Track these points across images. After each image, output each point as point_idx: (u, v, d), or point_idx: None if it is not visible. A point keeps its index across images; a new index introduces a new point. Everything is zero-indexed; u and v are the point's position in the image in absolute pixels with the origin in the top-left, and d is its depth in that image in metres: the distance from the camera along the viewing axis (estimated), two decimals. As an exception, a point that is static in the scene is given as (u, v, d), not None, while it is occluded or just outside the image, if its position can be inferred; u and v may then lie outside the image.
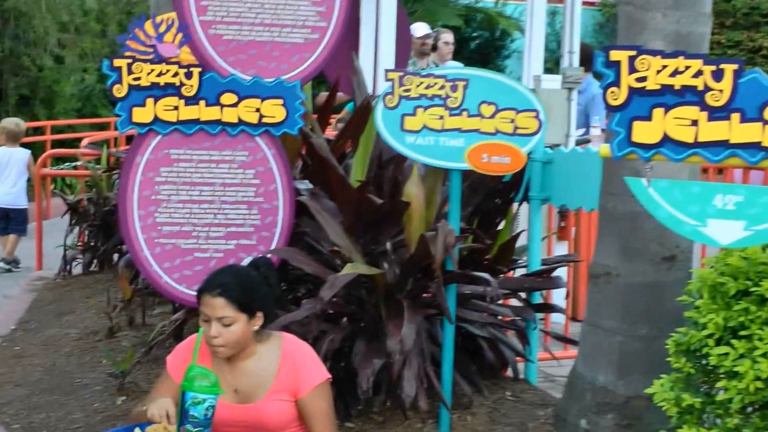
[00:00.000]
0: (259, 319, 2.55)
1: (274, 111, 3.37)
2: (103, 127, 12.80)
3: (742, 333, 2.30)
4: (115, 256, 5.95)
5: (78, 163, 9.70)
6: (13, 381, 4.19)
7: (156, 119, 3.32)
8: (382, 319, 3.31)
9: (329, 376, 2.61)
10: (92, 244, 6.32)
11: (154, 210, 3.40)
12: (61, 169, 9.40)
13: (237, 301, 2.48)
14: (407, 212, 3.33)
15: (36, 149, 12.17)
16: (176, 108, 3.32)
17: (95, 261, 6.32)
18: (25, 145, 7.84)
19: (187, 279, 3.40)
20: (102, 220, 6.22)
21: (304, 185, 3.69)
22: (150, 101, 3.30)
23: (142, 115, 3.30)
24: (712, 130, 2.36)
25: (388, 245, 3.41)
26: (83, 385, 4.01)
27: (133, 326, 4.69)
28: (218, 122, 3.36)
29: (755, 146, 2.34)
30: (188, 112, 3.33)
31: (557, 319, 4.64)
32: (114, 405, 3.72)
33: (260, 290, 2.57)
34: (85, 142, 9.91)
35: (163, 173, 3.40)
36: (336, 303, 3.38)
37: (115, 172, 6.32)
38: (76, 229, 6.49)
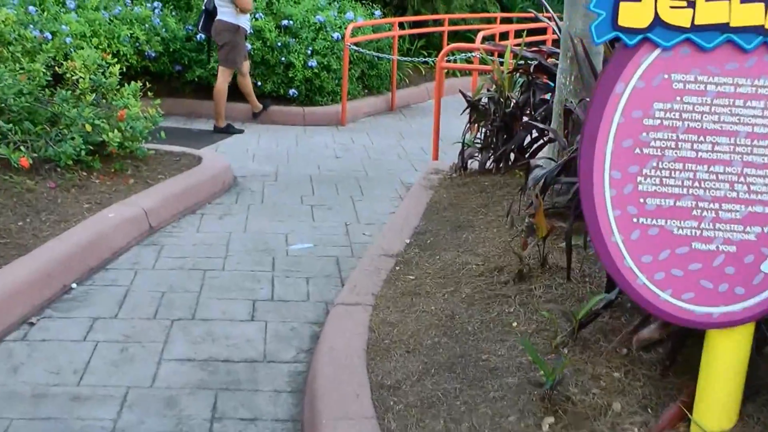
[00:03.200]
0: None
1: None
2: (489, 21, 13.78)
3: None
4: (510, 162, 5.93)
5: (472, 55, 9.83)
6: (403, 341, 3.56)
7: (657, 22, 2.22)
8: None
9: None
10: (491, 143, 6.31)
11: (637, 171, 2.32)
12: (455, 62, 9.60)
13: None
14: None
15: (435, 39, 12.79)
16: (692, 4, 2.20)
17: (492, 160, 6.33)
18: (426, 36, 8.06)
19: (675, 282, 2.37)
20: (502, 120, 6.18)
21: None
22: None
23: (635, 15, 2.21)
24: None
25: None
26: (491, 371, 3.19)
27: (547, 269, 4.08)
28: (759, 30, 2.20)
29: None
30: (712, 12, 2.20)
31: None
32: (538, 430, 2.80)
33: None
34: (479, 36, 9.97)
35: (658, 113, 2.28)
36: None
37: (518, 71, 6.24)
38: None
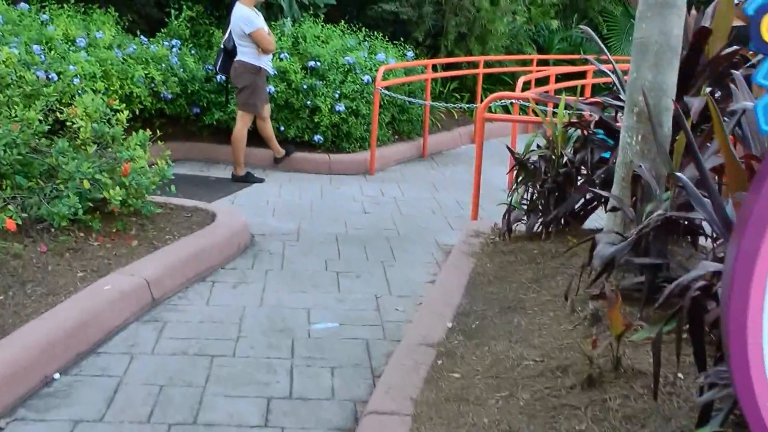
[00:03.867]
0: None
1: None
2: (525, 63, 13.17)
3: None
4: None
5: (510, 103, 9.14)
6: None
7: None
8: None
9: None
10: (539, 205, 5.58)
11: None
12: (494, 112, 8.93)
13: None
14: None
15: (468, 81, 12.14)
16: None
17: (540, 224, 5.60)
18: (459, 78, 7.35)
19: None
20: (554, 181, 5.45)
21: None
22: None
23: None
24: None
25: None
26: None
27: (622, 373, 3.33)
28: None
29: None
30: None
31: None
32: None
33: None
34: (520, 82, 9.31)
35: None
36: None
37: (573, 126, 5.54)
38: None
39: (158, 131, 8.85)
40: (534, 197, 5.69)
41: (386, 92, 9.22)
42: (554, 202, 5.49)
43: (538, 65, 12.81)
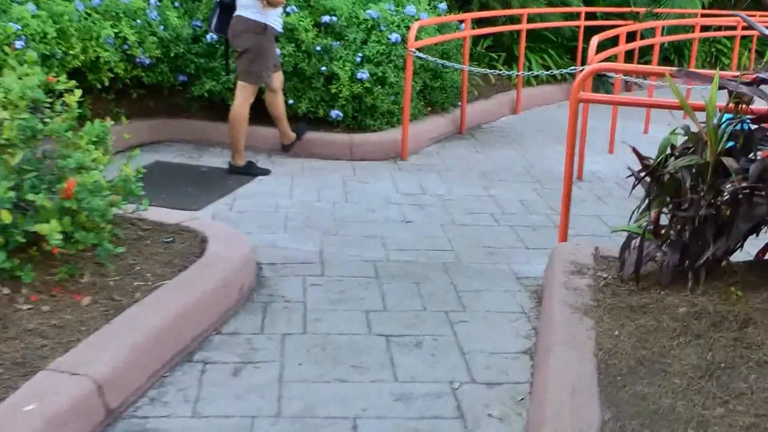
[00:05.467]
0: None
1: None
2: (572, 17, 10.82)
3: None
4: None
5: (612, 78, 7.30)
6: None
7: None
8: None
9: None
10: (682, 236, 3.80)
11: None
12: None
13: None
14: None
15: (504, 38, 10.24)
16: None
17: (687, 266, 3.82)
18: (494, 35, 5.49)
19: None
20: (713, 204, 3.65)
21: None
22: None
23: None
24: None
25: None
26: None
27: None
28: None
29: None
30: None
31: None
32: None
33: None
34: (594, 43, 7.47)
35: None
36: None
37: (738, 121, 3.74)
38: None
39: (134, 108, 7.02)
40: (675, 224, 3.89)
41: (421, 55, 7.35)
42: (711, 233, 3.69)
43: (586, 19, 10.85)
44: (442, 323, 3.98)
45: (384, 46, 7.41)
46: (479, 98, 9.32)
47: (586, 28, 10.66)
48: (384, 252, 4.91)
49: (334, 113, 7.24)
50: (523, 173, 6.93)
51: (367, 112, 7.36)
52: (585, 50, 10.70)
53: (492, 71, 8.07)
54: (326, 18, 7.39)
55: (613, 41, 8.25)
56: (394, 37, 7.44)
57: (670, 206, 3.87)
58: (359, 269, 4.60)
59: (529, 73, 8.55)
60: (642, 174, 3.96)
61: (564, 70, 7.60)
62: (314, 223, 5.37)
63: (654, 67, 5.42)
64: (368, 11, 7.53)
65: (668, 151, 3.93)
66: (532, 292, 4.39)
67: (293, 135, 6.98)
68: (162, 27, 6.86)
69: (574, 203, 5.26)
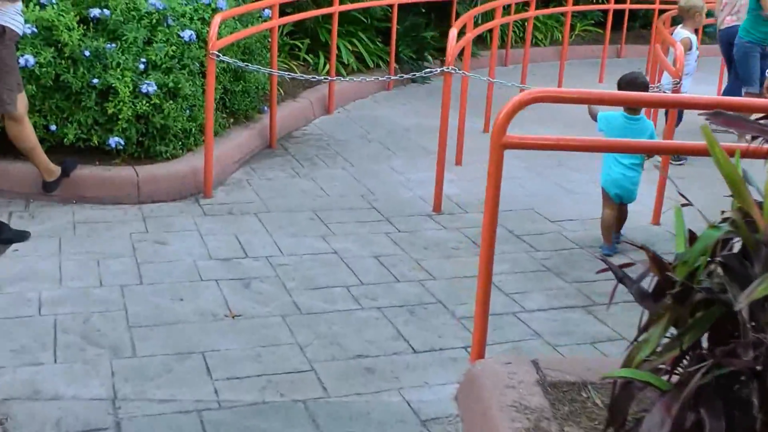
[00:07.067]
0: None
1: None
2: None
3: None
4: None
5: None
6: None
7: None
8: None
9: None
10: (728, 394, 2.51)
11: None
12: None
13: None
14: None
15: (309, 23, 8.73)
16: None
17: None
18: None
19: None
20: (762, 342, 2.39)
21: None
22: None
23: None
24: None
25: None
26: None
27: None
28: None
29: None
30: None
31: None
32: None
33: None
34: (459, 23, 6.14)
35: None
36: None
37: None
38: None
39: None
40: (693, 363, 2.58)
41: (227, 59, 5.71)
42: (759, 394, 2.42)
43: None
44: None
45: (174, 47, 5.70)
46: (286, 98, 7.77)
47: (400, 6, 9.34)
48: (210, 386, 3.33)
49: (113, 141, 5.44)
50: (364, 207, 5.53)
51: (156, 135, 5.62)
52: (399, 32, 9.42)
53: (321, 77, 6.54)
54: (96, 11, 5.55)
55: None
56: (188, 34, 5.75)
57: (708, 347, 2.54)
58: (178, 432, 3.00)
59: (396, 76, 7.09)
60: (667, 292, 2.57)
61: (417, 73, 6.26)
62: (97, 334, 3.67)
63: (611, 92, 4.03)
64: (151, 1, 5.77)
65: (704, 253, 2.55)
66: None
67: (57, 169, 5.16)
68: None
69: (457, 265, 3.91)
